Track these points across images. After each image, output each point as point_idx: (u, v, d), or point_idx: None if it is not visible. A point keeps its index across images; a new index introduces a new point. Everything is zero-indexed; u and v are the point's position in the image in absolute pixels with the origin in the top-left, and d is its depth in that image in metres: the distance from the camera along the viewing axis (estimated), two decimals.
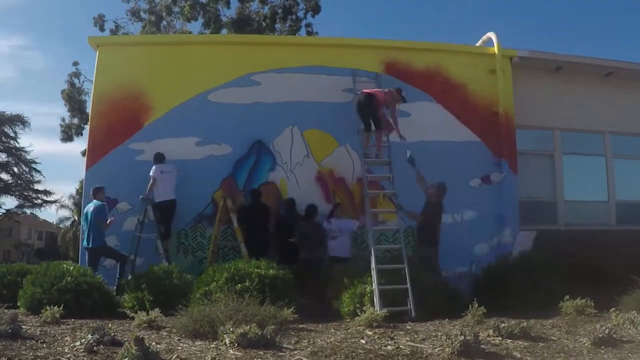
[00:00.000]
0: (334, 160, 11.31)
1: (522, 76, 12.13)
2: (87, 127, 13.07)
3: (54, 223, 44.11)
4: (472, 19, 73.15)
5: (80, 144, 32.01)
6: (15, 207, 34.33)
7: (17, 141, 32.89)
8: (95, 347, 5.60)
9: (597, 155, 12.75)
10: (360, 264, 9.39)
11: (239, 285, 7.74)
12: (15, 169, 32.92)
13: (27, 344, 5.81)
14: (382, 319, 7.35)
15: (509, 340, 6.36)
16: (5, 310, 7.05)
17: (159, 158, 10.73)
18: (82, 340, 5.80)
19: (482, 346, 5.83)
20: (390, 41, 12.63)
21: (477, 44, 13.28)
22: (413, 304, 8.02)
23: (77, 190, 34.50)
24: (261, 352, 5.68)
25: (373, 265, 8.59)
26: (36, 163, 33.41)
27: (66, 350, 5.63)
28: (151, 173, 10.56)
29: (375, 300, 8.05)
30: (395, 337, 6.60)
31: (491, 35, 12.48)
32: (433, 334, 6.74)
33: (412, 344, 6.25)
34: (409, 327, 7.25)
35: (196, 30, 25.78)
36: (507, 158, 11.64)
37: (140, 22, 25.36)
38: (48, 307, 7.20)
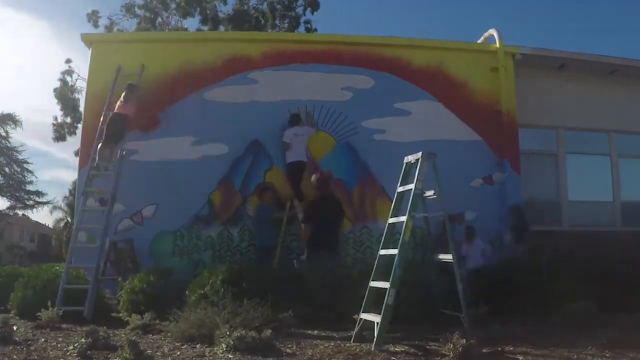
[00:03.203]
0: (333, 160, 11.11)
1: (525, 74, 11.97)
2: (80, 126, 12.88)
3: (48, 225, 43.94)
4: (473, 15, 73.20)
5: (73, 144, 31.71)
6: (7, 209, 34.11)
7: (8, 141, 32.64)
8: (88, 352, 5.54)
9: (602, 155, 12.63)
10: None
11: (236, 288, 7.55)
12: (7, 169, 32.65)
13: (18, 349, 5.79)
14: None
15: None
16: None
17: (295, 120, 10.78)
18: (76, 345, 5.78)
19: None
20: (390, 38, 12.49)
21: (479, 41, 13.12)
22: None
23: (70, 191, 34.27)
24: (259, 358, 5.58)
25: None
26: (28, 163, 33.19)
27: (59, 355, 5.60)
28: (284, 139, 10.61)
29: None
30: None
31: (493, 32, 12.31)
32: None
33: None
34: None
35: (193, 27, 25.70)
36: (510, 158, 11.47)
37: (135, 18, 25.14)
38: (42, 311, 7.10)
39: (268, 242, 10.30)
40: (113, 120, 10.19)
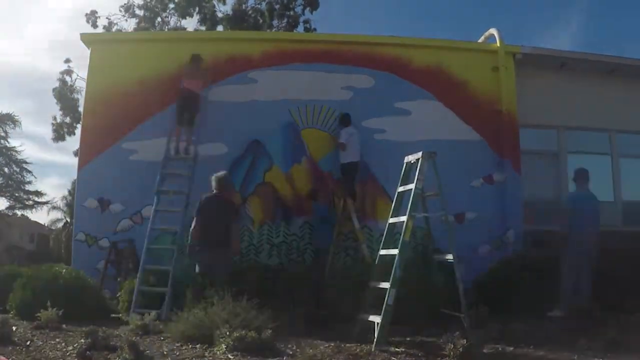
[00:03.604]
0: (333, 160, 11.06)
1: (526, 73, 11.91)
2: (80, 126, 12.87)
3: (46, 225, 43.81)
4: (473, 14, 73.01)
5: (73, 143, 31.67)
6: (6, 209, 34.02)
7: (7, 141, 32.56)
8: (88, 352, 5.51)
9: (603, 154, 12.55)
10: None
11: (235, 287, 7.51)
12: (6, 170, 32.56)
13: (17, 349, 5.78)
14: None
15: None
16: None
17: (346, 120, 10.77)
18: (75, 345, 5.81)
19: None
20: (390, 37, 12.47)
21: (479, 41, 13.09)
22: None
23: (70, 192, 34.21)
24: (259, 358, 5.58)
25: None
26: (27, 163, 33.11)
27: (58, 355, 5.58)
28: (341, 139, 10.62)
29: None
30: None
31: (493, 31, 12.28)
32: None
33: None
34: None
35: (191, 26, 25.61)
36: (510, 157, 11.43)
37: (134, 18, 25.08)
38: (41, 311, 7.07)
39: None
40: (184, 98, 10.31)
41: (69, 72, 24.96)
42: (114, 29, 24.36)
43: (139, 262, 9.39)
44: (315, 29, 24.90)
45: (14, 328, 6.71)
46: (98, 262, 10.17)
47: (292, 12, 25.17)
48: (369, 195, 11.00)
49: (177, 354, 5.81)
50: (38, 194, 33.70)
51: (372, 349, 6.01)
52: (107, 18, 24.97)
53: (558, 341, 6.53)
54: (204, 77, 10.57)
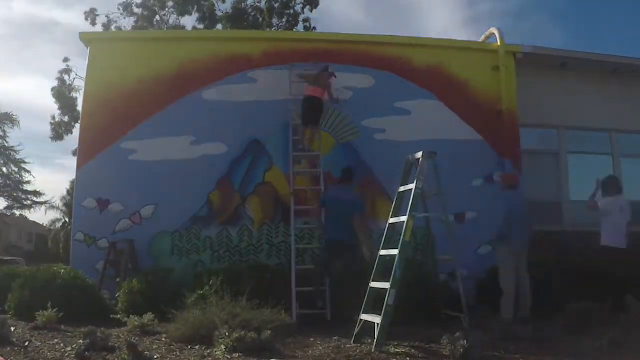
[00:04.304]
0: (333, 160, 11.00)
1: (526, 73, 11.86)
2: (78, 125, 12.83)
3: (45, 225, 43.81)
4: (474, 13, 72.86)
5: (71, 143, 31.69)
6: (4, 209, 34.04)
7: (6, 140, 32.57)
8: (86, 353, 5.53)
9: (604, 155, 12.56)
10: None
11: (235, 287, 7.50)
12: (4, 169, 32.58)
13: (16, 350, 5.79)
14: None
15: None
16: None
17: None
18: (74, 346, 5.81)
19: None
20: (390, 37, 12.42)
21: (480, 40, 13.04)
22: None
23: (68, 191, 34.17)
24: (259, 359, 5.59)
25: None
26: (26, 163, 33.12)
27: (57, 356, 5.59)
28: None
29: None
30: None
31: (494, 30, 12.23)
32: None
33: None
34: None
35: (190, 25, 25.59)
36: (511, 157, 11.37)
37: (133, 16, 25.05)
38: (40, 312, 7.05)
39: (340, 235, 8.76)
40: (306, 103, 10.41)
41: (67, 70, 24.98)
42: (112, 28, 24.34)
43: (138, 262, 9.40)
44: (315, 28, 24.95)
45: (12, 329, 6.71)
46: (97, 263, 10.11)
47: (291, 11, 25.16)
48: (369, 195, 10.95)
49: (177, 354, 5.81)
50: (37, 193, 33.73)
51: (372, 350, 5.98)
52: (106, 16, 25.02)
53: (559, 341, 6.53)
54: (326, 85, 10.55)
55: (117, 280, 9.33)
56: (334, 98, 10.67)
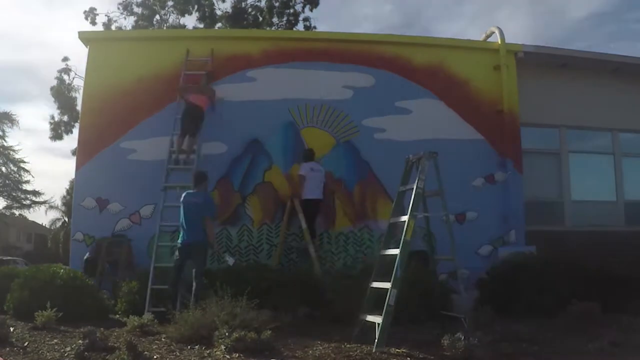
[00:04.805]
0: (333, 159, 11.01)
1: (527, 72, 11.87)
2: (78, 125, 12.80)
3: (45, 225, 43.80)
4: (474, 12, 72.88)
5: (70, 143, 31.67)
6: (3, 208, 34.00)
7: (5, 140, 32.54)
8: (86, 353, 5.49)
9: (605, 154, 12.55)
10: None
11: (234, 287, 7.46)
12: (3, 169, 32.55)
13: (15, 350, 5.76)
14: None
15: None
16: None
17: (309, 156, 10.53)
18: (73, 346, 5.78)
19: None
20: (391, 36, 12.42)
21: (481, 39, 13.02)
22: None
23: (68, 191, 34.14)
24: (259, 359, 5.56)
25: None
26: (25, 162, 33.09)
27: (56, 357, 5.56)
28: (301, 172, 10.34)
29: None
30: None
31: (495, 29, 12.22)
32: None
33: None
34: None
35: (190, 24, 25.54)
36: (512, 157, 11.38)
37: (133, 16, 25.00)
38: (39, 312, 7.01)
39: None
40: (189, 112, 10.20)
41: (67, 70, 24.91)
42: (112, 27, 24.29)
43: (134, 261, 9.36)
44: (315, 27, 24.84)
45: (11, 329, 6.68)
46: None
47: (291, 10, 25.08)
48: (370, 195, 10.93)
49: (176, 354, 5.77)
50: (36, 193, 33.69)
51: (373, 350, 5.95)
52: (106, 15, 24.94)
53: (560, 342, 6.50)
54: (210, 95, 10.50)
55: (116, 279, 9.30)
56: (214, 104, 10.65)
